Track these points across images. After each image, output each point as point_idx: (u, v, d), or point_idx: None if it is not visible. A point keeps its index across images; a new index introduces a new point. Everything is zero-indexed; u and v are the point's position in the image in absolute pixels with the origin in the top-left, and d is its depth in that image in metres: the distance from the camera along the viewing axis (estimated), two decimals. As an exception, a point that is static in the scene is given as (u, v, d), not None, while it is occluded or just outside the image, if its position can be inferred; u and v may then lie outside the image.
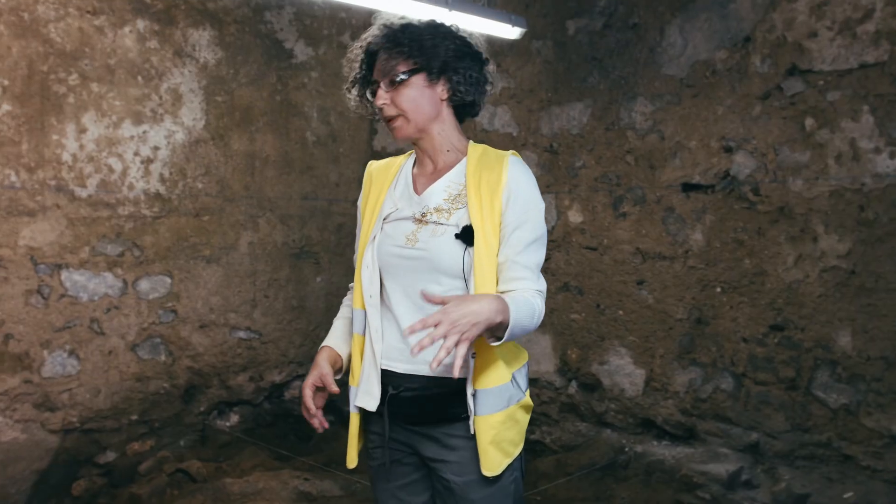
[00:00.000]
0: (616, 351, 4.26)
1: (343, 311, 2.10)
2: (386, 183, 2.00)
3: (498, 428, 1.80)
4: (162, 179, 4.25)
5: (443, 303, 1.62)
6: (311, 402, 1.86)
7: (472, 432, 1.80)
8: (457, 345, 1.56)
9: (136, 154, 4.15)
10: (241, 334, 4.65)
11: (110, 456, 4.10)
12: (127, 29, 4.08)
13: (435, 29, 1.90)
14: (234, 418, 4.63)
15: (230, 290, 4.58)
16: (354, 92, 1.97)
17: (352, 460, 1.95)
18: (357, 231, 2.08)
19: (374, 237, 1.92)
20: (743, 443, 3.83)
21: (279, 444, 4.47)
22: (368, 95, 1.93)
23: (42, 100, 3.80)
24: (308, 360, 5.00)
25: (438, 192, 1.90)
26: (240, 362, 4.65)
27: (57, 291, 3.89)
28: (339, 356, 1.97)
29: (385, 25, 1.92)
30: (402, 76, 1.85)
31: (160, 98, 4.23)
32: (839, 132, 3.47)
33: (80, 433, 4.02)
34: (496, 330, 1.68)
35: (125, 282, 4.13)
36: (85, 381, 4.01)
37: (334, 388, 1.84)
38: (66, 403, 3.95)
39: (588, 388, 4.41)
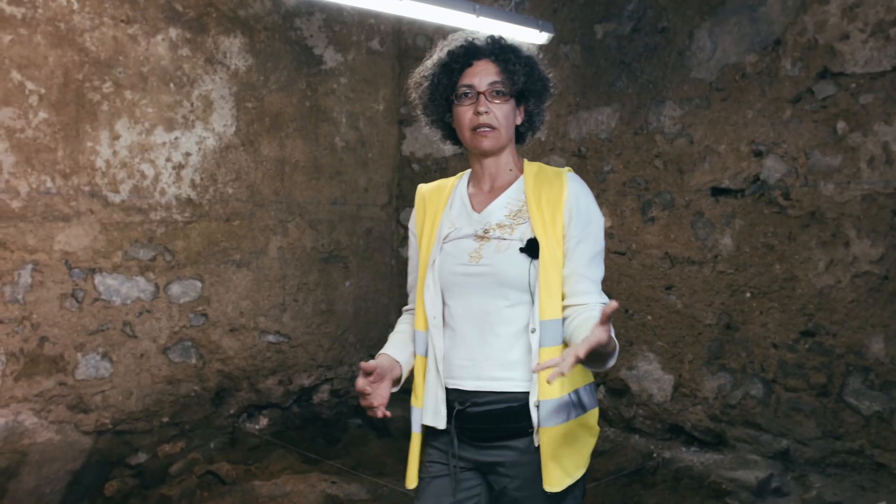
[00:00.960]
0: (644, 356, 4.23)
1: (399, 328, 2.09)
2: (441, 205, 2.01)
3: (559, 441, 1.80)
4: (193, 185, 4.32)
5: (557, 363, 1.57)
6: (365, 385, 1.82)
7: (535, 444, 1.81)
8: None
9: (167, 160, 4.21)
10: (271, 338, 4.70)
11: (142, 457, 4.16)
12: (160, 37, 4.15)
13: (538, 60, 1.97)
14: (264, 421, 4.68)
15: (260, 294, 4.63)
16: (439, 90, 1.95)
17: (411, 480, 1.97)
18: (411, 254, 2.10)
19: (434, 260, 1.94)
20: (773, 449, 3.79)
21: (308, 448, 4.50)
22: (455, 98, 1.92)
23: (77, 107, 3.87)
24: (336, 363, 5.04)
25: (499, 208, 1.92)
26: (269, 366, 4.70)
27: (91, 295, 3.96)
28: (397, 362, 1.95)
29: (492, 37, 1.95)
30: (507, 89, 1.89)
31: (192, 105, 4.29)
32: (872, 135, 3.42)
33: (113, 434, 4.08)
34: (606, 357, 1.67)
35: (157, 286, 4.19)
36: (117, 383, 4.07)
37: (370, 366, 1.81)
38: (99, 405, 4.02)
39: (616, 393, 4.38)
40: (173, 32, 4.20)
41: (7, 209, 3.69)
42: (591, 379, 1.94)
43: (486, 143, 1.89)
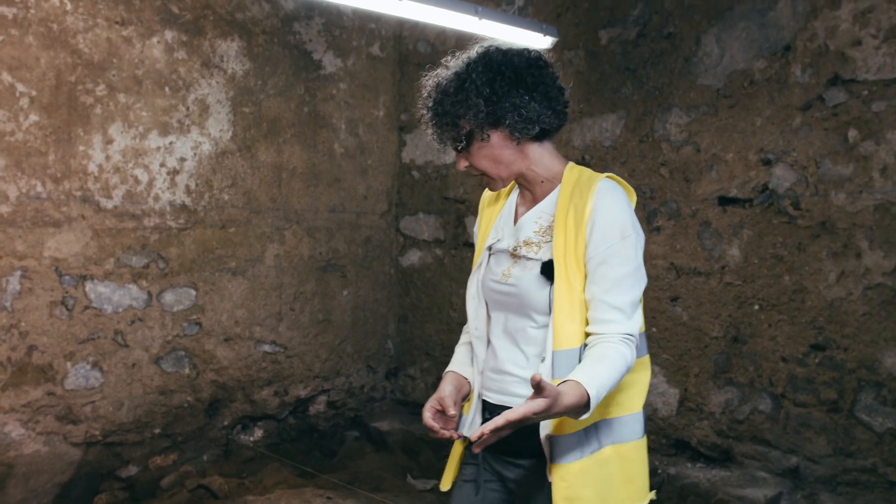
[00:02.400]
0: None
1: (464, 338, 2.06)
2: (495, 212, 1.97)
3: (570, 481, 1.69)
4: (188, 191, 4.22)
5: (543, 397, 1.49)
6: (432, 422, 1.78)
7: (549, 480, 1.72)
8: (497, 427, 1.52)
9: (162, 165, 4.12)
10: (266, 348, 4.60)
11: (132, 470, 4.06)
12: (155, 39, 4.06)
13: (461, 84, 1.74)
14: (258, 433, 4.57)
15: (255, 303, 4.53)
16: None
17: (446, 483, 1.95)
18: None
19: (480, 267, 1.91)
20: (782, 467, 3.68)
21: (303, 460, 4.39)
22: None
23: (69, 110, 3.78)
24: (334, 374, 4.93)
25: (529, 223, 1.83)
26: (264, 376, 4.59)
27: (81, 303, 3.86)
28: (465, 379, 1.93)
29: (427, 94, 1.82)
30: (461, 145, 1.77)
31: (187, 109, 4.20)
32: (884, 144, 3.33)
33: (103, 446, 3.97)
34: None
35: (150, 294, 4.10)
36: (108, 393, 3.97)
37: (451, 411, 1.79)
38: (89, 416, 3.91)
39: (620, 407, 4.28)
40: (169, 35, 4.11)
41: (-4, 214, 3.59)
42: (629, 409, 1.79)
43: (494, 187, 1.84)
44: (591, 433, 1.73)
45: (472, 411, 1.88)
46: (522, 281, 1.77)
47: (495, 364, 1.85)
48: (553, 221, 1.77)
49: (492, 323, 1.88)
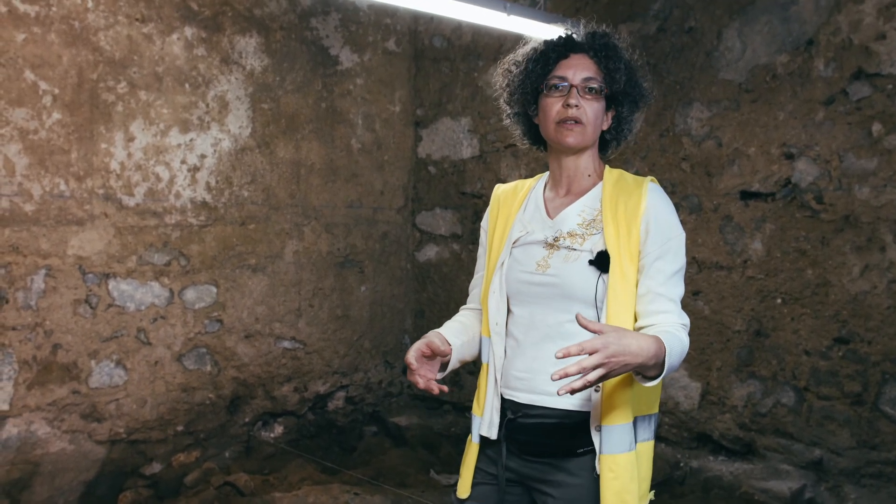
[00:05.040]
0: (670, 363, 4.14)
1: (456, 317, 2.03)
2: (515, 206, 1.94)
3: (618, 472, 1.69)
4: (208, 188, 4.22)
5: (600, 331, 1.51)
6: (413, 360, 1.75)
7: (596, 472, 1.72)
8: (595, 379, 1.48)
9: (182, 162, 4.11)
10: (286, 344, 4.60)
11: (156, 467, 4.06)
12: (175, 36, 4.05)
13: (637, 66, 1.89)
14: (279, 429, 4.58)
15: (275, 300, 4.53)
16: (530, 79, 1.86)
17: (464, 490, 1.90)
18: (480, 253, 2.03)
19: (503, 263, 1.86)
20: (805, 459, 3.70)
21: (323, 456, 4.40)
22: (544, 88, 1.84)
23: (91, 108, 3.77)
24: (352, 370, 4.94)
25: (572, 216, 1.83)
26: (284, 373, 4.60)
27: (104, 301, 3.86)
28: (448, 342, 1.86)
29: (594, 33, 1.87)
30: (600, 92, 1.80)
31: (207, 106, 4.19)
32: (910, 138, 3.34)
33: (127, 444, 3.98)
34: (646, 369, 1.59)
35: (171, 291, 4.09)
36: (131, 391, 3.97)
37: (442, 349, 1.76)
38: (113, 414, 3.91)
39: (640, 401, 4.29)
40: (189, 31, 4.10)
41: (20, 213, 3.58)
42: (654, 410, 1.83)
43: (571, 139, 1.80)
44: (632, 427, 1.74)
45: (489, 411, 1.84)
46: (565, 271, 1.75)
47: (524, 363, 1.81)
48: (598, 215, 1.80)
49: (514, 318, 1.85)
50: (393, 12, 5.00)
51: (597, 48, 1.83)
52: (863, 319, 3.51)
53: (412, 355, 1.76)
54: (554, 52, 1.84)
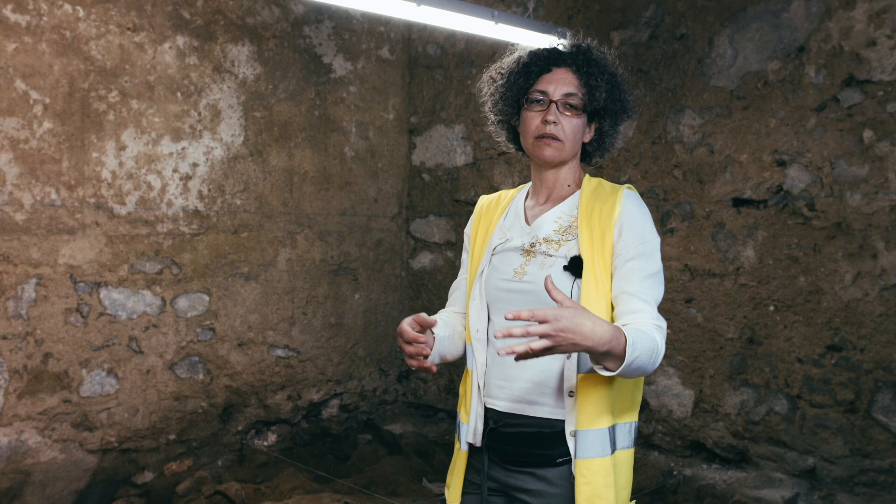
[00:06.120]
0: (664, 371, 4.13)
1: (437, 315, 1.99)
2: (497, 214, 1.96)
3: (590, 478, 1.69)
4: (200, 196, 4.22)
5: (561, 303, 1.49)
6: (409, 329, 1.72)
7: (572, 476, 1.72)
8: (539, 349, 1.45)
9: (174, 171, 4.11)
10: (279, 352, 4.59)
11: (148, 476, 4.05)
12: (167, 45, 4.06)
13: (621, 79, 1.88)
14: (272, 437, 4.57)
15: (268, 308, 4.53)
16: (512, 91, 1.87)
17: (454, 498, 1.90)
18: (462, 262, 2.03)
19: (482, 270, 1.87)
20: (798, 468, 3.68)
21: (317, 464, 4.39)
22: (525, 101, 1.84)
23: (82, 117, 3.78)
24: (346, 378, 4.93)
25: (549, 222, 1.84)
26: (277, 381, 4.59)
27: (96, 310, 3.85)
28: (433, 334, 1.85)
29: (579, 46, 1.86)
30: (580, 108, 1.81)
31: (199, 114, 4.19)
32: (901, 145, 3.33)
33: (118, 453, 3.97)
34: (604, 360, 1.57)
35: (163, 300, 4.09)
36: (123, 400, 3.96)
37: (429, 321, 1.73)
38: (105, 423, 3.91)
39: (634, 408, 4.28)
40: (180, 40, 4.10)
41: (10, 222, 3.59)
42: (633, 418, 1.83)
43: (548, 153, 1.81)
44: (611, 434, 1.74)
45: (474, 418, 1.84)
46: (540, 277, 1.75)
47: (503, 371, 1.81)
48: (574, 222, 1.81)
49: (493, 326, 1.84)
50: (387, 20, 5.00)
51: (580, 62, 1.83)
52: (855, 327, 3.49)
53: (407, 323, 1.75)
54: (537, 64, 1.85)
